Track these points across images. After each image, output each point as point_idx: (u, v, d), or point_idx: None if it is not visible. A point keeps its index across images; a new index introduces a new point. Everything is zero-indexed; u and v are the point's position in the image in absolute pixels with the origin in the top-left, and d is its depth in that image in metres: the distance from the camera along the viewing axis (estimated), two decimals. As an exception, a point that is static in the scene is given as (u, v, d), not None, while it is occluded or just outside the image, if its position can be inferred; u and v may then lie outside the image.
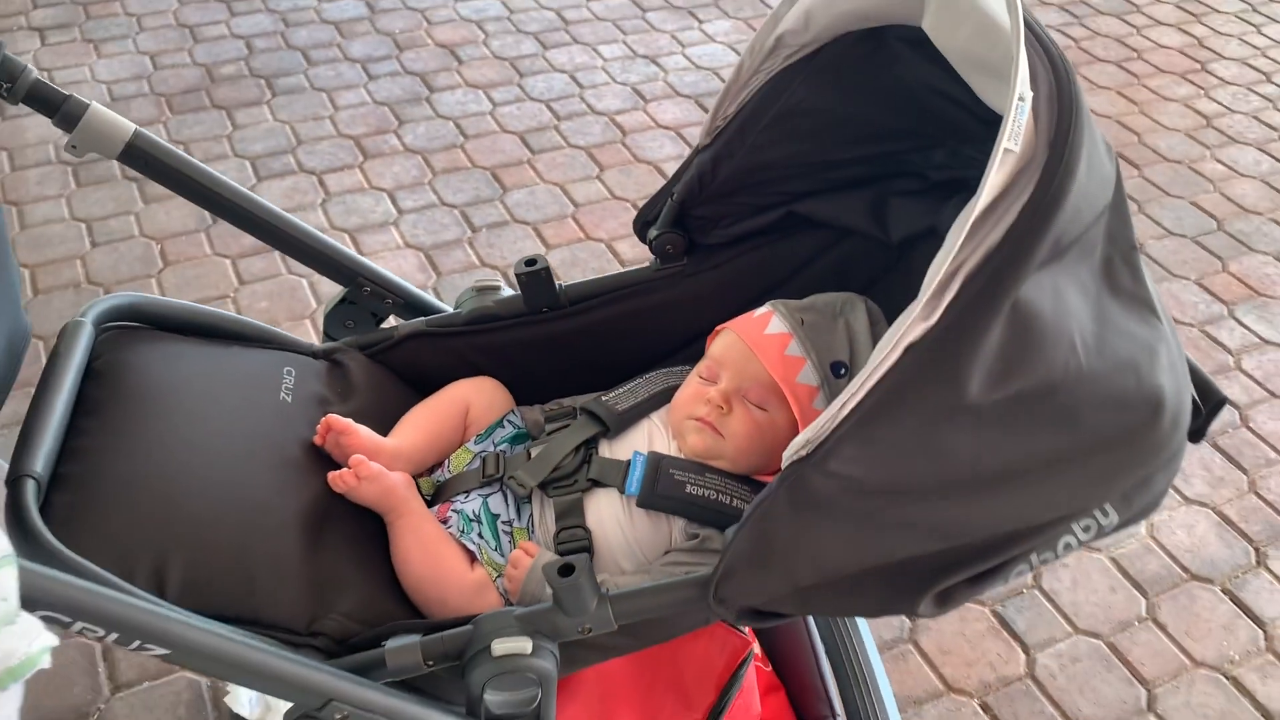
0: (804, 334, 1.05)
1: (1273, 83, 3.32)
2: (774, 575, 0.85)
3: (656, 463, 1.03)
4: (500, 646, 0.85)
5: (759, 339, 1.06)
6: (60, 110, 1.03)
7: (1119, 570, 1.91)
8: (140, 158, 1.07)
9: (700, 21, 3.45)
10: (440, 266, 2.43)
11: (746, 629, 1.26)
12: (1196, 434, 0.93)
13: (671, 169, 2.73)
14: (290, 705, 0.84)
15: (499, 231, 2.55)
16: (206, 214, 2.51)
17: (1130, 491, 0.87)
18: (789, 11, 0.99)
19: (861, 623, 1.45)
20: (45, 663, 0.69)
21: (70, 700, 1.63)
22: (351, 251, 1.19)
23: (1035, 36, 0.76)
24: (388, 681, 0.88)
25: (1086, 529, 0.87)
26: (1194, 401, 0.91)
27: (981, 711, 1.70)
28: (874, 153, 1.12)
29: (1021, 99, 0.70)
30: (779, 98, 1.06)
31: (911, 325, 0.73)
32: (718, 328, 1.12)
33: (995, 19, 0.79)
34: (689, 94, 3.10)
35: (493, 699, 0.87)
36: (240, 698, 1.21)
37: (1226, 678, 1.76)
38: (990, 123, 0.75)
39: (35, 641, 0.65)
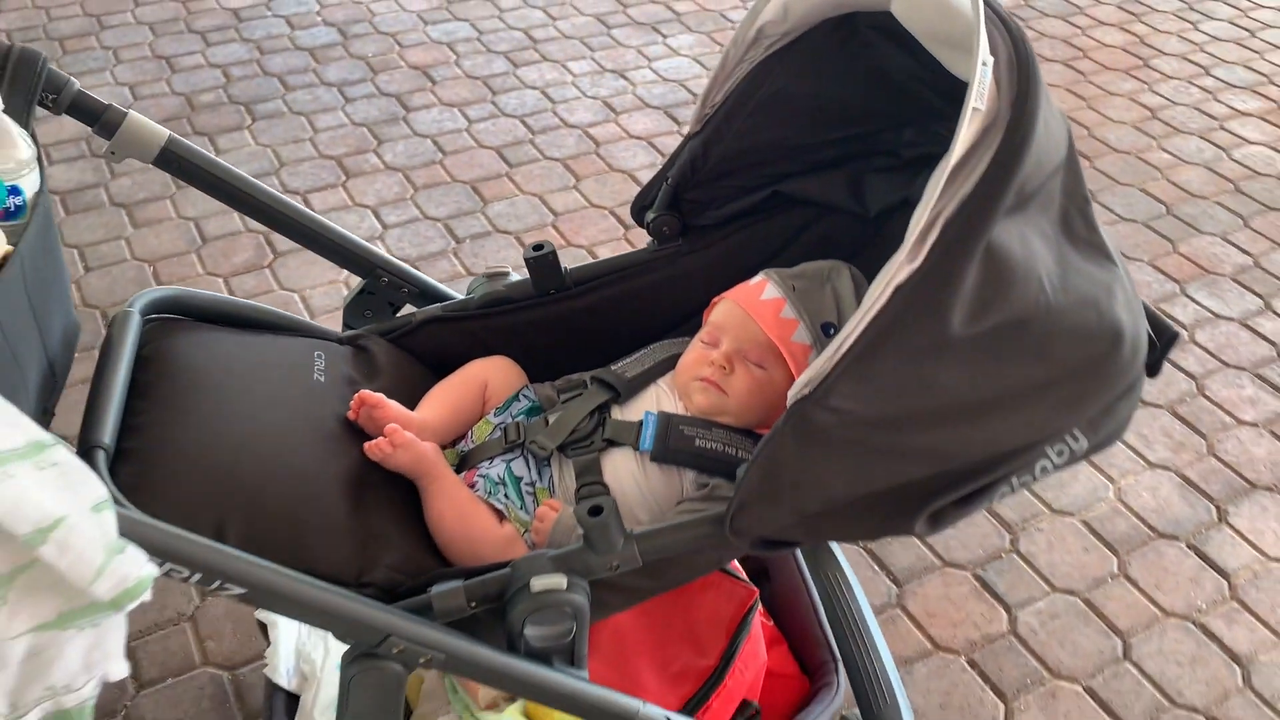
0: (796, 298, 1.15)
1: (1211, 75, 3.48)
2: (783, 506, 0.94)
3: (667, 421, 1.12)
4: (538, 583, 0.93)
5: (755, 304, 1.16)
6: (100, 119, 1.11)
7: (1090, 532, 2.02)
8: (174, 161, 1.15)
9: (664, 36, 3.57)
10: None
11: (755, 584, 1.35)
12: (1153, 367, 1.04)
13: (645, 176, 2.84)
14: (347, 648, 0.92)
15: (482, 242, 2.64)
16: (196, 234, 2.61)
17: (1097, 418, 0.97)
18: (768, 4, 1.09)
19: (854, 579, 1.55)
20: (148, 595, 0.77)
21: (97, 701, 1.69)
22: (370, 245, 1.28)
23: (994, 12, 0.87)
24: (434, 625, 0.96)
25: (1060, 453, 0.97)
26: (1150, 337, 1.02)
27: (969, 667, 1.80)
28: (850, 133, 1.22)
29: (984, 64, 0.80)
30: (762, 85, 1.16)
31: (899, 269, 0.83)
32: (716, 298, 1.21)
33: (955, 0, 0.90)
34: (658, 105, 3.21)
35: (532, 633, 0.95)
36: (279, 668, 1.28)
37: (1195, 625, 1.87)
38: (955, 99, 0.85)
39: (143, 568, 0.73)
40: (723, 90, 1.17)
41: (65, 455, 0.73)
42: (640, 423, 1.13)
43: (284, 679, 1.27)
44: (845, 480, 0.93)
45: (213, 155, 1.19)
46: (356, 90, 3.20)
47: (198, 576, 0.81)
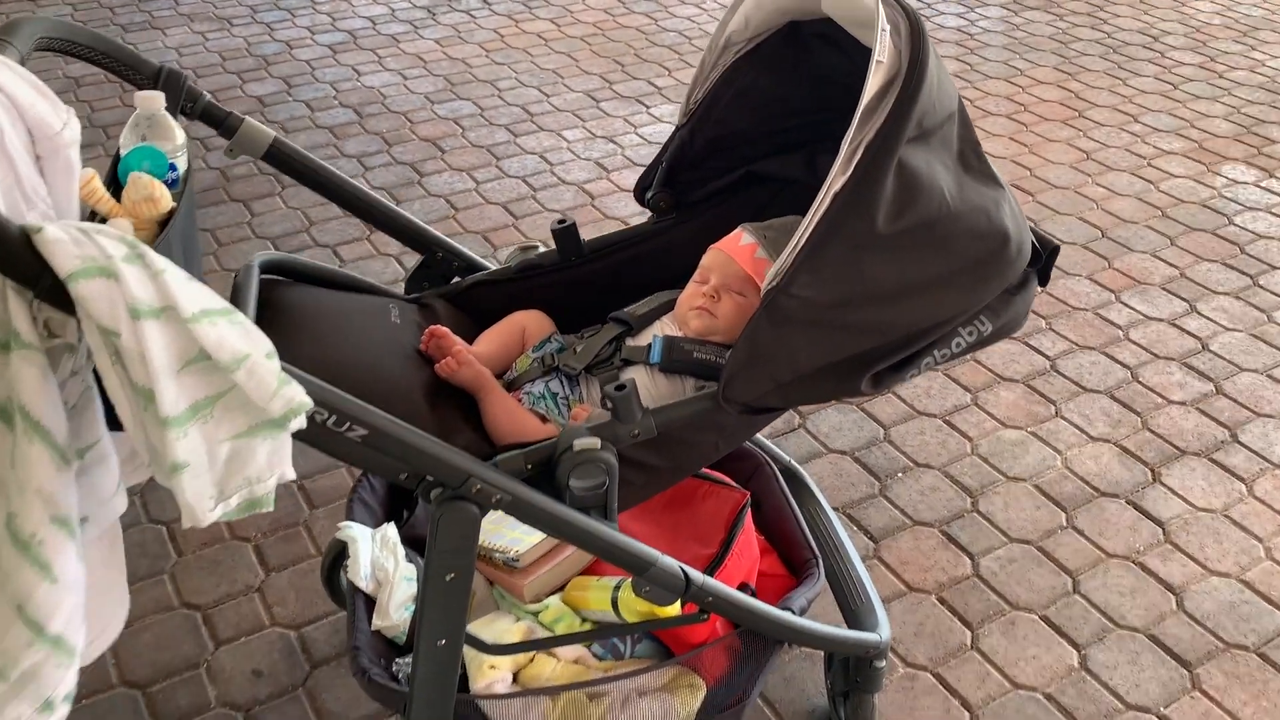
0: (767, 243, 1.46)
1: (1140, 122, 3.88)
2: (762, 375, 1.24)
3: (670, 340, 1.42)
4: (580, 443, 1.22)
5: (736, 249, 1.47)
6: (224, 123, 1.44)
7: (1041, 494, 2.31)
8: (278, 157, 1.48)
9: (647, 107, 3.96)
10: (448, 309, 2.83)
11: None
12: (1043, 275, 1.35)
13: (636, 222, 3.18)
14: (436, 493, 1.20)
15: (494, 280, 2.96)
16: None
17: (996, 305, 1.29)
18: (733, 17, 1.43)
19: (831, 511, 1.83)
20: (302, 421, 1.05)
21: (182, 655, 1.94)
22: (428, 227, 1.60)
23: (895, 1, 1.20)
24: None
25: (970, 333, 1.28)
26: (1036, 249, 1.33)
27: (939, 604, 2.06)
28: (804, 122, 1.55)
29: (883, 30, 1.13)
30: (732, 84, 1.49)
31: (834, 179, 1.15)
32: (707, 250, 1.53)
33: None
34: (644, 163, 3.54)
35: (575, 484, 1.24)
36: (360, 574, 1.54)
37: (1134, 564, 2.15)
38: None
39: (302, 395, 1.00)
40: (702, 89, 1.50)
41: (245, 319, 1.02)
42: (649, 345, 1.44)
43: (364, 583, 1.53)
44: (807, 353, 1.23)
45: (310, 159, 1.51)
46: (374, 160, 3.57)
47: (333, 418, 1.09)
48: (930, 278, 1.22)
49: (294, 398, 1.00)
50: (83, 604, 0.97)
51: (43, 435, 0.94)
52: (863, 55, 1.20)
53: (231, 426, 1.00)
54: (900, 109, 1.13)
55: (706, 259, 1.50)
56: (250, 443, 1.01)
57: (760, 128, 1.55)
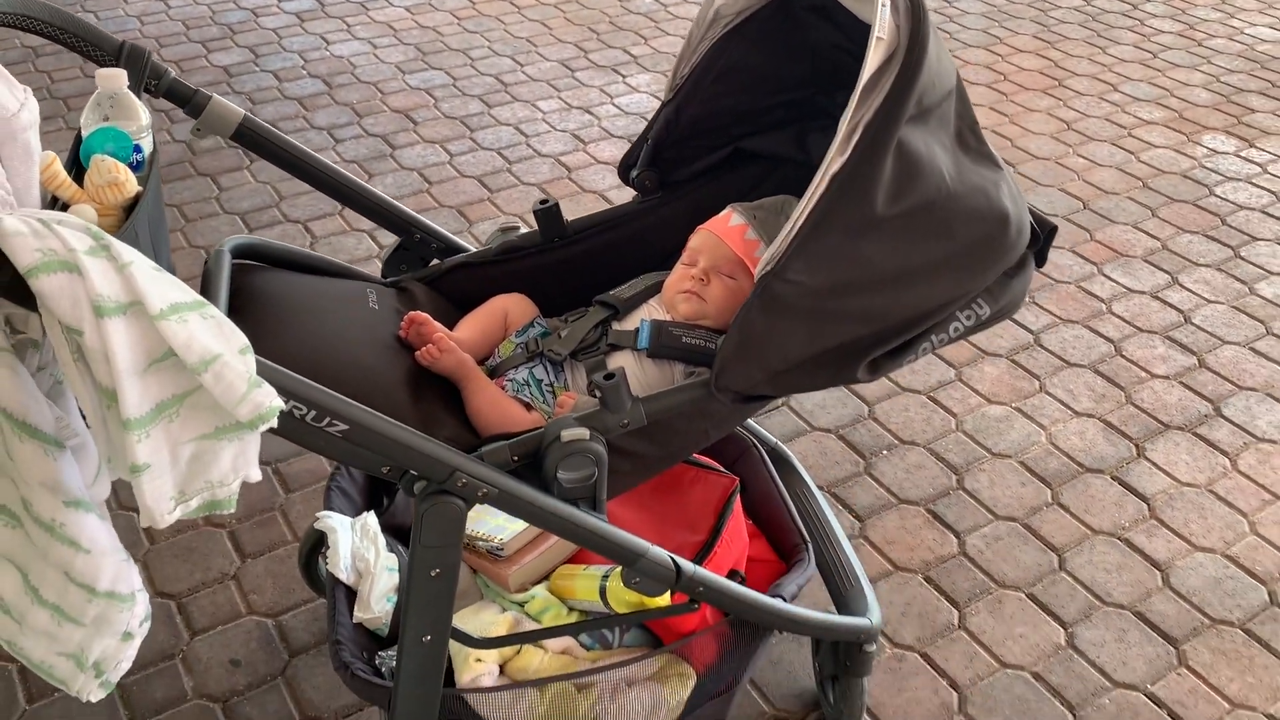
0: (757, 224, 1.42)
1: (1119, 91, 3.86)
2: (754, 364, 1.20)
3: (659, 325, 1.38)
4: (567, 434, 1.18)
5: (725, 229, 1.43)
6: (191, 101, 1.37)
7: (1026, 470, 2.29)
8: (248, 137, 1.42)
9: (623, 76, 3.89)
10: (424, 286, 2.77)
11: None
12: (1040, 255, 1.32)
13: (614, 197, 3.14)
14: (420, 487, 1.16)
15: (471, 256, 2.90)
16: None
17: (995, 289, 1.25)
18: (721, -11, 1.38)
19: (819, 493, 1.81)
20: (275, 421, 1.00)
21: (156, 646, 1.90)
22: (405, 208, 1.54)
23: (894, -28, 1.16)
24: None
25: (968, 317, 1.25)
26: (1034, 230, 1.30)
27: (925, 583, 2.05)
28: (794, 98, 1.50)
29: (883, 5, 1.09)
30: (720, 58, 1.44)
31: (831, 161, 1.10)
32: (694, 230, 1.48)
33: None
34: (622, 135, 3.51)
35: (564, 476, 1.20)
36: (340, 565, 1.50)
37: (1120, 540, 2.14)
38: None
39: (273, 400, 0.96)
40: (689, 64, 1.45)
41: (218, 313, 0.98)
42: (637, 329, 1.39)
43: (344, 574, 1.49)
44: (801, 340, 1.19)
45: (285, 136, 1.45)
46: (345, 132, 3.48)
47: (312, 414, 1.05)
48: (929, 261, 1.19)
49: (263, 403, 0.95)
50: (122, 557, 1.04)
51: (30, 432, 0.94)
52: (858, 30, 1.15)
53: (197, 427, 0.96)
54: (900, 87, 1.09)
55: (695, 240, 1.46)
56: (215, 445, 0.97)
57: (749, 104, 1.50)
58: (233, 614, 1.96)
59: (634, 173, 1.55)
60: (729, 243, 1.41)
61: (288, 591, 1.99)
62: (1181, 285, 2.86)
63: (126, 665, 1.13)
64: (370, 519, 1.56)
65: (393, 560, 1.54)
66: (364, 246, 2.92)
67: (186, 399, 0.96)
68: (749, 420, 1.85)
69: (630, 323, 1.43)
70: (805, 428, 2.38)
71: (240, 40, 4.05)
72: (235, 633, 1.93)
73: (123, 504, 2.13)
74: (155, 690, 1.81)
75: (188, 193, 3.15)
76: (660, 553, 1.30)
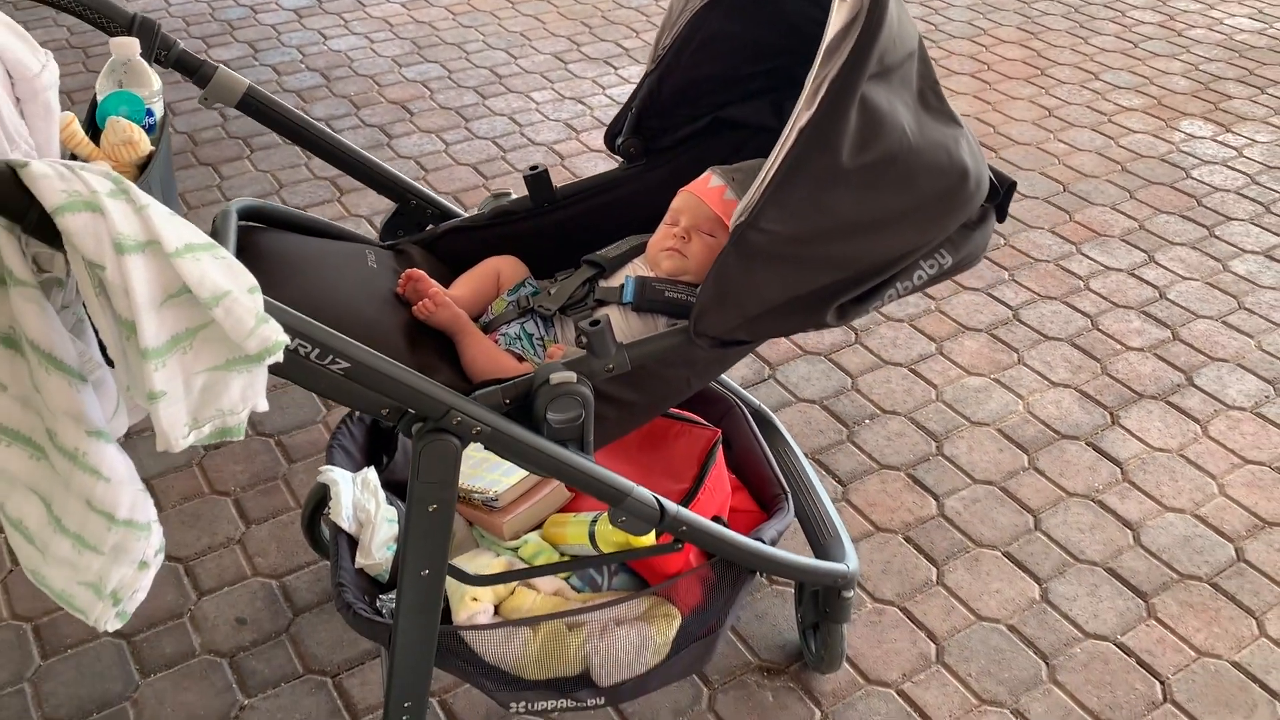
0: (735, 185, 1.50)
1: (1100, 80, 3.94)
2: (731, 310, 1.28)
3: (643, 280, 1.46)
4: (556, 377, 1.25)
5: (705, 190, 1.51)
6: (199, 71, 1.45)
7: (1004, 437, 2.37)
8: (252, 105, 1.50)
9: (615, 68, 3.97)
10: (421, 268, 2.85)
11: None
12: (1001, 210, 1.40)
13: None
14: (418, 427, 1.23)
15: (466, 240, 2.98)
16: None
17: (956, 239, 1.33)
18: (701, -38, 1.46)
19: (800, 450, 1.89)
20: (279, 357, 1.08)
21: (165, 605, 1.97)
22: (402, 175, 1.62)
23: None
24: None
25: (931, 266, 1.33)
26: (995, 186, 1.38)
27: (905, 542, 2.13)
28: (771, 67, 1.58)
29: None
30: (699, 29, 1.51)
31: (799, 115, 1.18)
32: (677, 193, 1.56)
33: None
34: (613, 124, 3.59)
35: (553, 417, 1.27)
36: (342, 515, 1.57)
37: (1094, 502, 2.22)
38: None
39: (279, 335, 1.03)
40: (670, 35, 1.53)
41: (228, 254, 1.05)
42: (622, 285, 1.47)
43: (346, 523, 1.57)
44: (774, 286, 1.27)
45: (291, 108, 1.53)
46: (343, 123, 3.56)
47: (316, 351, 1.12)
48: (893, 212, 1.26)
49: (270, 337, 1.02)
50: (139, 487, 1.09)
51: (56, 364, 1.00)
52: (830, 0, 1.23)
53: (209, 359, 1.03)
54: (862, 45, 1.17)
55: (677, 201, 1.54)
56: (225, 376, 1.05)
57: (728, 73, 1.58)
58: (238, 575, 2.03)
59: (619, 140, 1.63)
60: (708, 202, 1.49)
61: (291, 555, 2.07)
62: (1157, 263, 2.94)
63: (142, 595, 1.19)
64: (370, 473, 1.63)
65: (392, 513, 1.62)
66: (362, 230, 3.00)
67: (199, 332, 1.03)
68: (735, 385, 1.94)
69: (616, 280, 1.50)
70: (791, 399, 2.46)
71: (240, 36, 4.13)
72: (241, 593, 2.00)
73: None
74: (165, 646, 1.89)
75: (190, 181, 3.23)
76: (645, 493, 1.38)
